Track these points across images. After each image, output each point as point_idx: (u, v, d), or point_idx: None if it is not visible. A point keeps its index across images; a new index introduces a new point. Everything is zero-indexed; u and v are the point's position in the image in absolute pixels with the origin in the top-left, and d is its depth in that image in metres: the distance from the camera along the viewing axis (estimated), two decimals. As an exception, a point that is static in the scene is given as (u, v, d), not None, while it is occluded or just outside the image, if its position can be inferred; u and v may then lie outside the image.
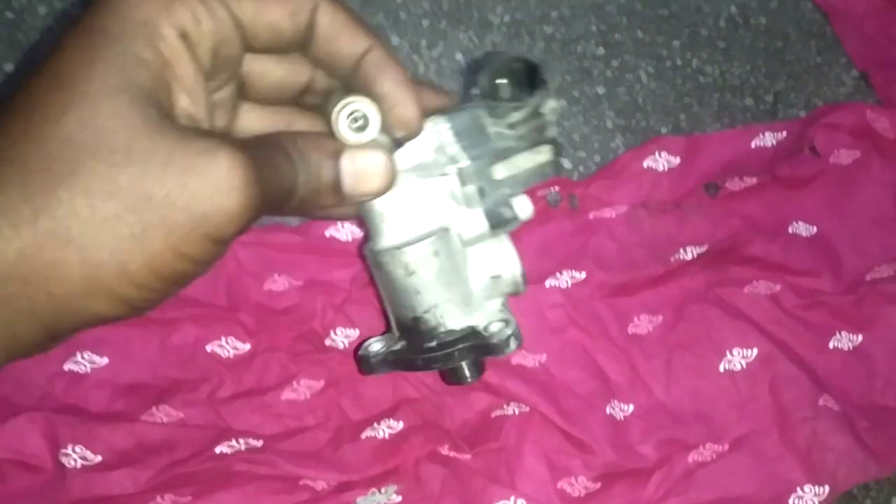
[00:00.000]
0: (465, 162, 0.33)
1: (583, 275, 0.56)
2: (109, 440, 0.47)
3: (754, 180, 0.60)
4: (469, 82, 0.33)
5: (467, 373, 0.40)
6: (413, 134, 0.30)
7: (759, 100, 0.66)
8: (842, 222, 0.61)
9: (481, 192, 0.35)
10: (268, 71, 0.29)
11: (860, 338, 0.57)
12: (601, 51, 0.66)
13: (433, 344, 0.38)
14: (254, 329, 0.51)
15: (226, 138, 0.24)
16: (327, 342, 0.53)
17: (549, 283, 0.55)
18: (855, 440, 0.53)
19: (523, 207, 0.36)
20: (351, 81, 0.29)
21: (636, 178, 0.59)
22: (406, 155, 0.32)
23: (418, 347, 0.38)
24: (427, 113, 0.31)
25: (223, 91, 0.28)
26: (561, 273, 0.55)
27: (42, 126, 0.21)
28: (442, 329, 0.37)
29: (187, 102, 0.24)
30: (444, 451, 0.49)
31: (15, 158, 0.21)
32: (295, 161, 0.26)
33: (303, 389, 0.51)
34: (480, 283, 0.38)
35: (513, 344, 0.37)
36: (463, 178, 0.34)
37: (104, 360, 0.50)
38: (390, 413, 0.49)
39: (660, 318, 0.56)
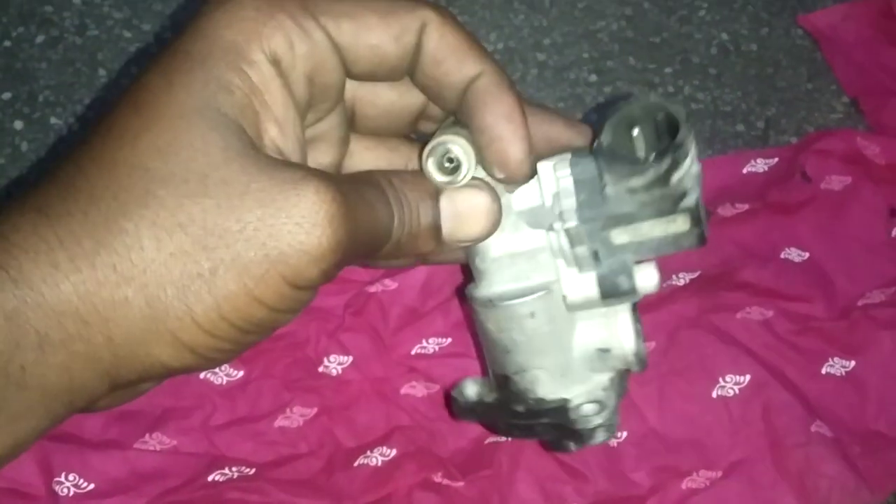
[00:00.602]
0: (572, 222, 0.28)
1: (575, 301, 0.56)
2: (102, 468, 0.47)
3: (746, 206, 0.60)
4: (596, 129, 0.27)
5: (572, 446, 0.36)
6: (515, 177, 0.26)
7: (751, 126, 0.67)
8: (833, 248, 0.61)
9: (595, 256, 0.29)
10: (377, 96, 0.26)
11: (853, 363, 0.57)
12: (594, 78, 0.67)
13: (520, 409, 0.34)
14: (247, 356, 0.51)
15: (314, 170, 0.21)
16: (320, 369, 0.53)
17: (541, 309, 0.55)
18: (848, 466, 0.53)
19: (648, 278, 0.30)
20: (457, 111, 0.25)
21: (628, 204, 0.59)
22: (519, 198, 0.28)
23: (506, 407, 0.34)
24: (553, 150, 0.27)
25: (326, 122, 0.25)
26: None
27: (114, 152, 0.20)
28: (531, 396, 0.33)
29: (276, 133, 0.22)
30: (438, 478, 0.49)
31: (82, 186, 0.20)
32: (391, 201, 0.23)
33: (296, 417, 0.51)
34: (585, 354, 0.33)
35: (600, 437, 0.34)
36: (572, 237, 0.29)
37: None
38: (383, 440, 0.49)
39: (652, 344, 0.56)
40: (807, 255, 0.61)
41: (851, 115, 0.69)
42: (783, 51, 0.71)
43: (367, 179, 0.23)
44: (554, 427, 0.34)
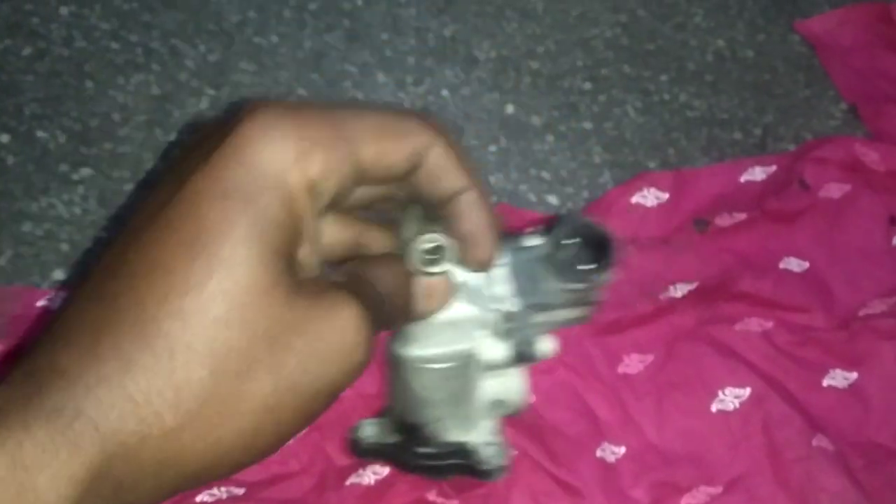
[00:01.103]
0: (515, 308, 0.33)
1: (571, 314, 0.55)
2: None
3: (744, 216, 0.59)
4: (551, 236, 0.32)
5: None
6: (485, 269, 0.30)
7: (748, 133, 0.66)
8: (833, 257, 0.60)
9: (516, 331, 0.36)
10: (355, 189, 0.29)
11: (854, 375, 0.56)
12: (588, 86, 0.66)
13: (426, 451, 0.40)
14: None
15: (340, 289, 0.23)
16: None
17: (537, 322, 0.54)
18: (849, 480, 0.52)
19: (546, 346, 0.37)
20: (437, 211, 0.28)
21: (624, 214, 0.59)
22: (458, 274, 0.32)
23: (411, 450, 0.40)
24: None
25: None
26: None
27: (180, 299, 0.20)
28: (438, 440, 0.39)
29: (307, 251, 0.24)
30: (431, 497, 0.48)
31: (156, 334, 0.20)
32: (381, 292, 0.26)
33: (286, 435, 0.50)
34: (483, 405, 0.39)
35: (499, 476, 0.40)
36: (507, 317, 0.35)
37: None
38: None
39: (650, 357, 0.55)
40: (806, 264, 0.60)
41: (850, 121, 0.68)
42: (780, 57, 0.70)
43: (364, 275, 0.26)
44: (459, 466, 0.40)
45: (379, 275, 0.26)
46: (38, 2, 0.66)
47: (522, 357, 0.36)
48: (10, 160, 0.60)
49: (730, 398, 0.54)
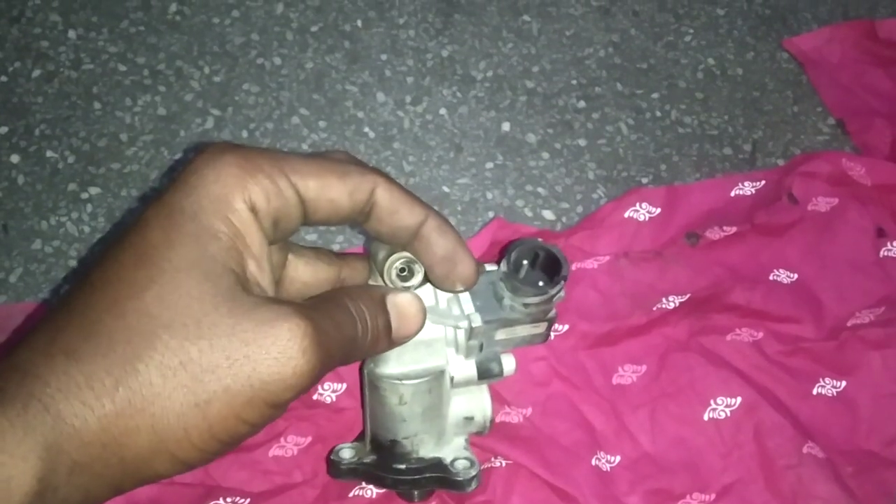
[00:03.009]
0: (478, 323, 0.36)
1: (565, 326, 0.56)
2: (97, 501, 0.47)
3: (734, 229, 0.61)
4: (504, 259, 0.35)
5: (416, 497, 0.46)
6: (471, 286, 0.32)
7: (738, 149, 0.68)
8: (822, 268, 0.62)
9: (480, 348, 0.39)
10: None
11: (843, 383, 0.58)
12: (582, 104, 0.68)
13: (403, 467, 0.42)
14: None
15: (288, 305, 0.25)
16: (315, 397, 0.53)
17: (533, 334, 0.55)
18: (840, 487, 0.53)
19: (509, 365, 0.40)
20: (408, 246, 0.31)
21: (617, 228, 0.60)
22: (424, 296, 0.34)
23: (388, 466, 0.42)
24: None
25: (275, 250, 0.30)
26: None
27: (125, 302, 0.23)
28: (414, 455, 0.42)
29: (254, 268, 0.26)
30: (432, 506, 0.49)
31: (101, 332, 0.23)
32: (355, 315, 0.28)
33: (290, 446, 0.51)
34: (454, 421, 0.42)
35: (474, 485, 0.42)
36: (471, 334, 0.37)
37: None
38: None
39: (643, 367, 0.56)
40: (795, 276, 0.61)
41: (838, 136, 0.70)
42: (769, 74, 0.72)
43: (333, 300, 0.28)
44: (436, 480, 0.42)
45: (353, 302, 0.28)
46: (46, 25, 0.68)
47: (487, 373, 0.40)
48: (21, 180, 0.61)
49: (722, 407, 0.55)
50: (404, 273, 0.32)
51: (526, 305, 0.34)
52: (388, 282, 0.32)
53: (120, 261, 0.24)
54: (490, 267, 0.36)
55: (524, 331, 0.37)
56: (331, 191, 0.27)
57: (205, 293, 0.24)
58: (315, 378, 0.25)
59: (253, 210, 0.26)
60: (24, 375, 0.22)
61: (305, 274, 0.32)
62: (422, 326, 0.32)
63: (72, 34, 0.67)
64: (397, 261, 0.32)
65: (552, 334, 0.57)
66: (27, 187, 0.61)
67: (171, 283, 0.24)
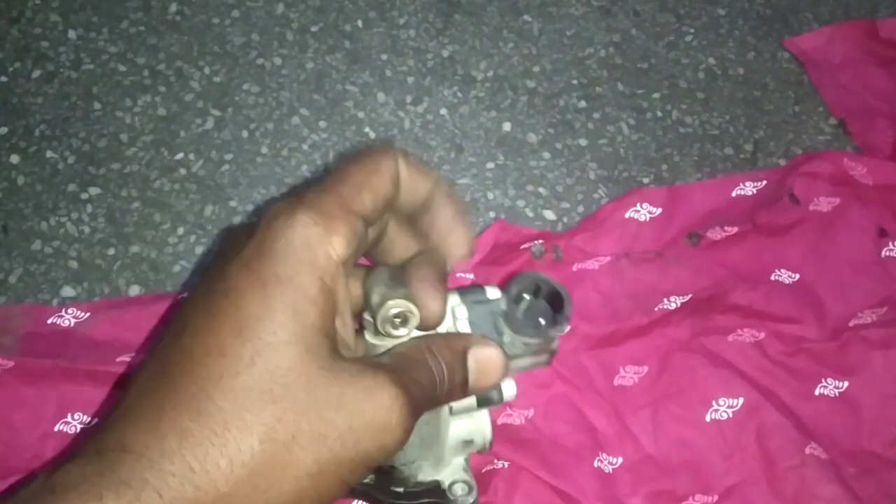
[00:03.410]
0: None
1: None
2: None
3: (735, 229, 0.61)
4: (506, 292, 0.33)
5: None
6: (467, 257, 0.32)
7: (739, 149, 0.67)
8: (823, 268, 0.62)
9: None
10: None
11: (846, 384, 0.58)
12: (583, 104, 0.68)
13: (401, 490, 0.42)
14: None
15: (382, 372, 0.25)
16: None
17: (534, 335, 0.55)
18: (842, 488, 0.53)
19: (509, 391, 0.39)
20: (417, 213, 0.31)
21: (618, 228, 0.60)
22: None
23: (387, 489, 0.42)
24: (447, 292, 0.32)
25: None
26: (546, 325, 0.56)
27: (233, 378, 0.23)
28: (412, 480, 0.42)
29: (341, 323, 0.26)
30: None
31: (211, 410, 0.23)
32: (435, 372, 0.28)
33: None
34: (453, 444, 0.42)
35: None
36: None
37: (94, 421, 0.51)
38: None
39: (645, 368, 0.56)
40: (797, 276, 0.61)
41: (839, 136, 0.70)
42: (770, 74, 0.72)
43: (416, 358, 0.28)
44: (433, 503, 0.43)
45: (434, 359, 0.28)
46: (47, 26, 0.67)
47: (486, 402, 0.39)
48: (21, 180, 0.61)
49: (724, 408, 0.55)
50: (398, 321, 0.31)
51: (526, 343, 0.33)
52: (380, 328, 0.31)
53: (217, 332, 0.24)
54: (492, 292, 0.34)
55: (525, 362, 0.36)
56: (379, 192, 0.28)
57: (308, 364, 0.24)
58: (406, 441, 0.26)
59: (337, 264, 0.26)
60: (137, 458, 0.22)
61: (355, 288, 0.32)
62: (502, 379, 0.31)
63: (72, 34, 0.67)
64: (392, 308, 0.31)
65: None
66: (27, 188, 0.61)
67: (276, 358, 0.24)
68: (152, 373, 0.24)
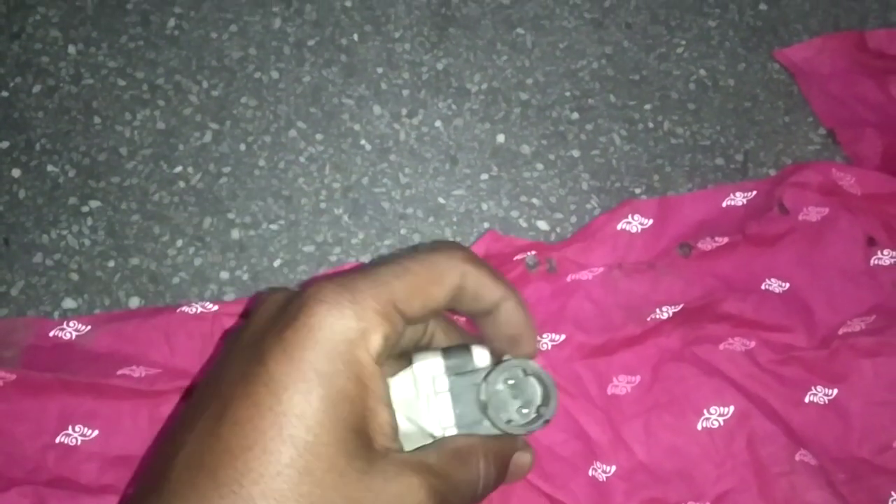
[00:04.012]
0: (452, 430, 0.30)
1: (562, 337, 0.57)
2: (98, 514, 0.48)
3: (726, 239, 0.62)
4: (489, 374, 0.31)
5: None
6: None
7: (730, 159, 0.68)
8: (813, 278, 0.63)
9: None
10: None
11: (835, 391, 0.59)
12: (575, 115, 0.69)
13: None
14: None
15: (419, 473, 0.25)
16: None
17: (528, 345, 0.56)
18: (832, 494, 0.54)
19: (482, 358, 0.34)
20: (477, 319, 0.30)
21: (611, 240, 0.61)
22: (402, 388, 0.30)
23: None
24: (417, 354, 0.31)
25: None
26: (541, 337, 0.57)
27: (273, 479, 0.23)
28: None
29: (377, 416, 0.26)
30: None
31: None
32: (482, 475, 0.28)
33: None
34: None
35: None
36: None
37: (95, 433, 0.51)
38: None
39: (637, 378, 0.57)
40: (787, 285, 0.62)
41: (828, 146, 0.71)
42: (760, 85, 0.73)
43: (467, 460, 0.28)
44: None
45: (487, 464, 0.28)
46: (47, 41, 0.68)
47: None
48: (22, 194, 0.62)
49: (715, 416, 0.56)
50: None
51: (508, 423, 0.30)
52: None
53: (257, 427, 0.24)
54: (479, 356, 0.30)
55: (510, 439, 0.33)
56: (431, 303, 0.27)
57: (345, 466, 0.24)
58: None
59: (377, 361, 0.26)
60: None
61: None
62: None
63: (72, 49, 0.68)
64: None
65: (549, 345, 0.57)
66: (28, 201, 0.62)
67: (315, 459, 0.24)
68: (191, 461, 0.24)
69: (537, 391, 0.30)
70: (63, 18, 0.69)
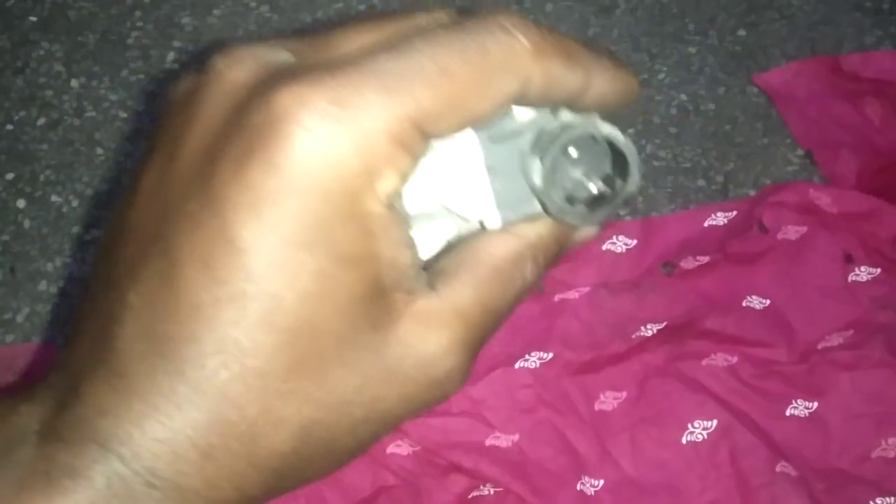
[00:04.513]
0: (493, 215, 0.21)
1: (550, 355, 0.59)
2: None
3: (707, 258, 0.64)
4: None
5: None
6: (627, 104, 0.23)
7: (711, 181, 0.71)
8: (793, 294, 0.65)
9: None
10: None
11: (815, 404, 0.61)
12: (562, 141, 0.71)
13: None
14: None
15: (451, 318, 0.19)
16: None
17: (518, 364, 0.58)
18: (812, 503, 0.56)
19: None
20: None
21: (596, 260, 0.63)
22: (430, 170, 0.20)
23: None
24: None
25: None
26: (530, 355, 0.59)
27: (243, 380, 0.18)
28: None
29: (394, 258, 0.19)
30: (423, 531, 0.52)
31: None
32: (529, 277, 0.21)
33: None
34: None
35: None
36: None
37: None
38: (369, 501, 0.52)
39: (624, 394, 0.59)
40: (767, 302, 0.64)
41: (806, 166, 0.73)
42: (740, 108, 0.75)
43: (508, 272, 0.20)
44: None
45: (536, 262, 0.21)
46: (50, 75, 0.71)
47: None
48: (27, 224, 0.64)
49: (699, 430, 0.58)
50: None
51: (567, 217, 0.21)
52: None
53: (218, 318, 0.17)
54: (523, 115, 0.21)
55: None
56: (472, 116, 0.18)
57: (345, 348, 0.18)
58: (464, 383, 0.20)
59: (390, 204, 0.18)
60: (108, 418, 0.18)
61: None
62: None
63: (74, 83, 0.71)
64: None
65: (537, 363, 0.59)
66: (33, 231, 0.64)
67: (307, 350, 0.18)
68: (139, 331, 0.18)
69: (606, 162, 0.21)
70: (66, 53, 0.72)
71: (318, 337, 0.18)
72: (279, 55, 0.19)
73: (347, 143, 0.17)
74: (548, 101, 0.20)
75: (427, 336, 0.19)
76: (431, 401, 0.19)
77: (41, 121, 0.69)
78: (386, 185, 0.18)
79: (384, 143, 0.17)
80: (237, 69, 0.18)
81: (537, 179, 0.20)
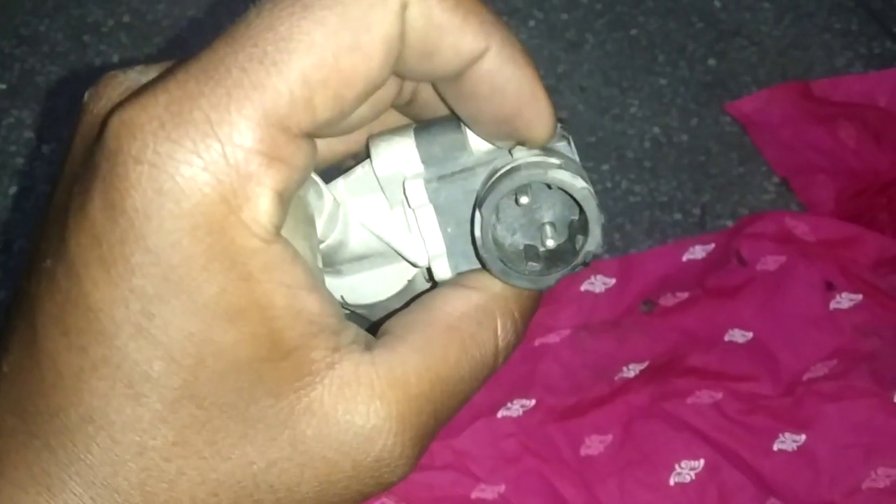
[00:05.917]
0: (445, 275, 0.19)
1: (532, 402, 0.59)
2: None
3: (686, 294, 0.64)
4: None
5: None
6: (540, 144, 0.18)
7: (688, 213, 0.71)
8: (775, 325, 0.64)
9: None
10: None
11: (803, 437, 0.60)
12: (536, 181, 0.71)
13: None
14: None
15: (388, 387, 0.16)
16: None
17: (501, 413, 0.58)
18: (806, 541, 0.55)
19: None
20: (443, 96, 0.18)
21: (575, 301, 0.63)
22: (375, 205, 0.19)
23: None
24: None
25: None
26: (512, 402, 0.58)
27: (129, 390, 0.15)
28: None
29: (294, 315, 0.15)
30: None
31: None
32: (500, 341, 0.18)
33: None
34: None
35: None
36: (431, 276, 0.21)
37: None
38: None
39: (609, 437, 0.58)
40: (750, 335, 0.64)
41: (783, 193, 0.73)
42: (713, 138, 0.75)
43: (475, 334, 0.17)
44: None
45: (502, 325, 0.18)
46: (20, 143, 0.71)
47: None
48: (2, 294, 0.64)
49: (686, 470, 0.57)
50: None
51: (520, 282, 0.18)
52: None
53: (86, 388, 0.15)
54: (475, 142, 0.18)
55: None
56: (353, 87, 0.15)
57: (234, 429, 0.15)
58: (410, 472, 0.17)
59: (272, 229, 0.15)
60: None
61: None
62: None
63: (45, 149, 0.71)
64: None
65: (520, 410, 0.59)
66: (7, 301, 0.64)
67: (187, 434, 0.15)
68: (8, 397, 0.16)
69: (574, 208, 0.18)
70: (36, 120, 0.72)
71: (201, 408, 0.15)
72: (148, 76, 0.16)
73: (191, 169, 0.14)
74: (442, 70, 0.16)
75: (352, 408, 0.15)
76: (365, 491, 0.16)
77: (13, 189, 0.69)
78: (256, 211, 0.14)
79: (240, 159, 0.14)
80: (96, 99, 0.16)
81: (477, 230, 0.17)
